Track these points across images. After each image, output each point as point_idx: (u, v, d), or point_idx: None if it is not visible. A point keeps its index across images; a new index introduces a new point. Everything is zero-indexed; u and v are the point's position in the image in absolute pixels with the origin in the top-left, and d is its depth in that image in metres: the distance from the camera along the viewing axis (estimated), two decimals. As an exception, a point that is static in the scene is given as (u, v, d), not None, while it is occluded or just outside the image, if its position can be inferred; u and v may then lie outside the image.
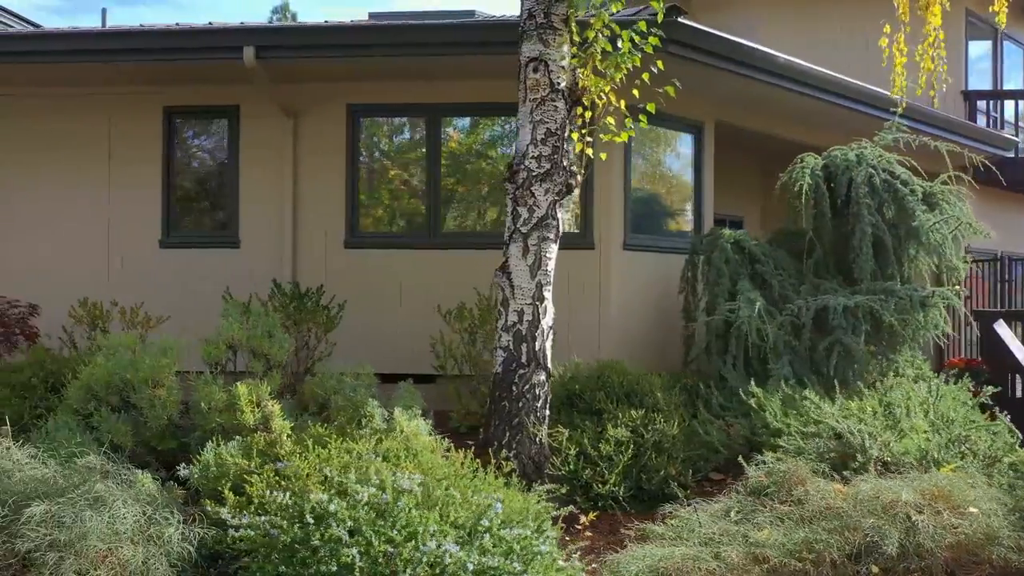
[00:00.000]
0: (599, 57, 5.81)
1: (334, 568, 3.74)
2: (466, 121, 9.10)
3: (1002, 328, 9.30)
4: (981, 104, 14.21)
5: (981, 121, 14.00)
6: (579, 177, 6.01)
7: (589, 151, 6.06)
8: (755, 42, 8.63)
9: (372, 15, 11.33)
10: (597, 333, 8.41)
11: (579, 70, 5.96)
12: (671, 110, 6.90)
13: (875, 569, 4.18)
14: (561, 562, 4.39)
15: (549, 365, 5.96)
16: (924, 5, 7.41)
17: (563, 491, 5.08)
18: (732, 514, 4.82)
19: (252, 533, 3.96)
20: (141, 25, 9.00)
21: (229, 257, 8.84)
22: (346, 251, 8.76)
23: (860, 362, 7.09)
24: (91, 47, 8.23)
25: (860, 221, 7.66)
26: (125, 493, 4.32)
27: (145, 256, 8.91)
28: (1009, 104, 15.18)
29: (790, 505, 4.65)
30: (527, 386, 5.81)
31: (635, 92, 6.12)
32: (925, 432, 5.48)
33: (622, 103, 6.09)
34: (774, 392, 6.36)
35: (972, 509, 4.38)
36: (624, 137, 6.20)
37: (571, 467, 5.77)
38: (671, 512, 5.07)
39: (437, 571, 3.85)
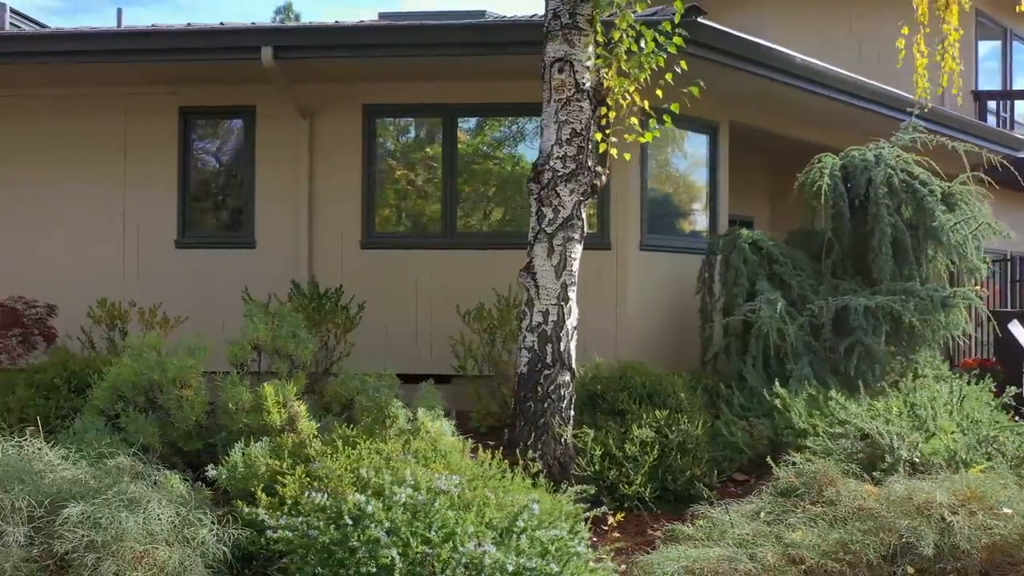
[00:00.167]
0: (624, 57, 5.79)
1: (373, 569, 3.73)
2: (484, 121, 9.08)
3: (1016, 328, 9.30)
4: (991, 104, 14.20)
5: (991, 121, 14.00)
6: (604, 177, 6.00)
7: (613, 151, 6.06)
8: (763, 41, 8.62)
9: (382, 15, 11.33)
10: (614, 333, 8.41)
11: (603, 70, 5.95)
12: (687, 111, 6.89)
13: (911, 570, 4.17)
14: (592, 563, 4.38)
15: (574, 365, 5.95)
16: (943, 5, 7.42)
17: (591, 492, 5.06)
18: (762, 515, 4.81)
19: (290, 534, 3.95)
20: (154, 25, 8.99)
21: (245, 258, 8.84)
22: (362, 251, 8.76)
23: (881, 362, 7.08)
24: (109, 47, 8.22)
25: (879, 221, 7.65)
26: (158, 494, 4.31)
27: (161, 256, 8.91)
28: (1019, 104, 15.16)
29: (822, 506, 4.64)
30: (552, 386, 5.80)
31: (659, 92, 6.12)
32: (953, 433, 5.47)
33: (646, 103, 6.09)
34: (799, 393, 6.34)
35: (1006, 510, 4.37)
36: (648, 137, 6.19)
37: (596, 468, 5.75)
38: (700, 513, 5.05)
39: (475, 572, 3.84)
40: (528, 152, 9.14)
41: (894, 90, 9.55)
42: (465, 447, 5.28)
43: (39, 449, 4.49)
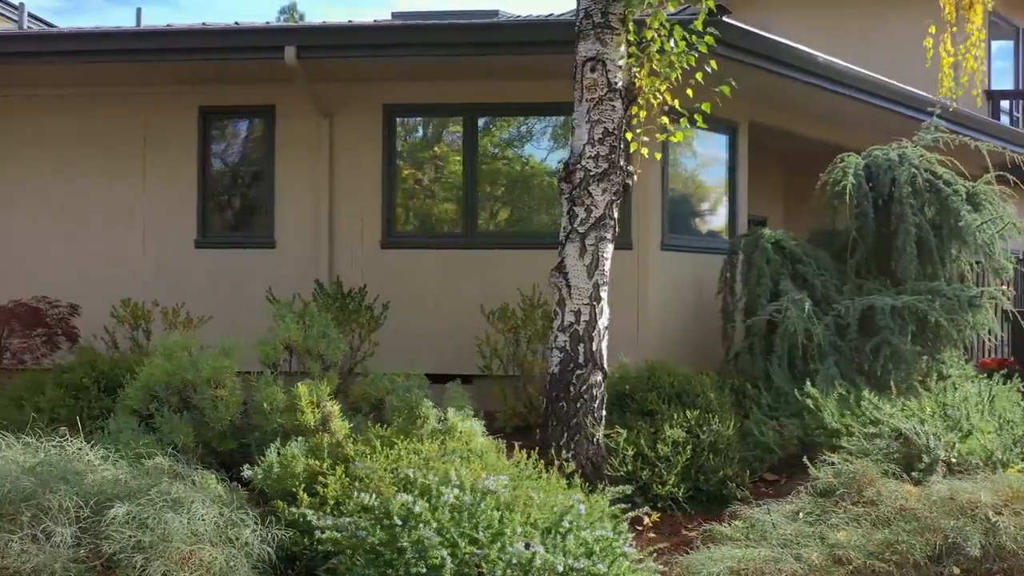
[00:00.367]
0: (657, 56, 5.78)
1: (423, 570, 3.72)
2: (506, 121, 9.07)
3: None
4: (1004, 104, 14.21)
5: (1004, 121, 14.01)
6: (635, 177, 5.99)
7: (644, 151, 6.05)
8: (786, 40, 8.61)
9: (395, 14, 11.32)
10: (635, 333, 8.39)
11: (635, 69, 5.94)
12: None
13: (956, 570, 4.16)
14: (634, 563, 4.37)
15: (606, 365, 5.94)
16: (967, 4, 7.42)
17: (628, 492, 5.04)
18: (802, 515, 4.80)
19: (338, 535, 3.93)
20: (170, 25, 9.00)
21: (265, 257, 8.82)
22: (382, 251, 8.74)
23: (907, 362, 7.08)
24: (131, 47, 8.22)
25: (904, 221, 7.64)
26: (200, 494, 4.30)
27: (180, 256, 8.89)
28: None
29: (863, 506, 4.63)
30: (585, 386, 5.79)
31: (689, 92, 6.11)
32: (989, 433, 5.46)
33: (676, 102, 6.08)
34: (829, 393, 6.34)
35: (1051, 510, 4.36)
36: (679, 137, 6.19)
37: (629, 468, 5.75)
38: (736, 513, 5.05)
39: (523, 572, 3.83)
40: (537, 152, 9.15)
41: (914, 90, 9.56)
42: (500, 447, 5.27)
43: (79, 449, 4.47)
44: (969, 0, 7.51)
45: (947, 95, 7.62)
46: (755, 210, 11.61)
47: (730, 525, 4.97)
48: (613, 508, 4.66)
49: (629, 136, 5.98)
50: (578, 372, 5.79)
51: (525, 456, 5.11)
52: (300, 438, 5.16)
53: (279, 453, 5.04)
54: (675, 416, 6.11)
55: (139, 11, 11.07)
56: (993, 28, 14.28)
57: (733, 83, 6.01)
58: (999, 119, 13.75)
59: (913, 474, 5.13)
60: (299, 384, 5.38)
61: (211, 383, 5.29)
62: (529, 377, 7.30)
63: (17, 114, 9.12)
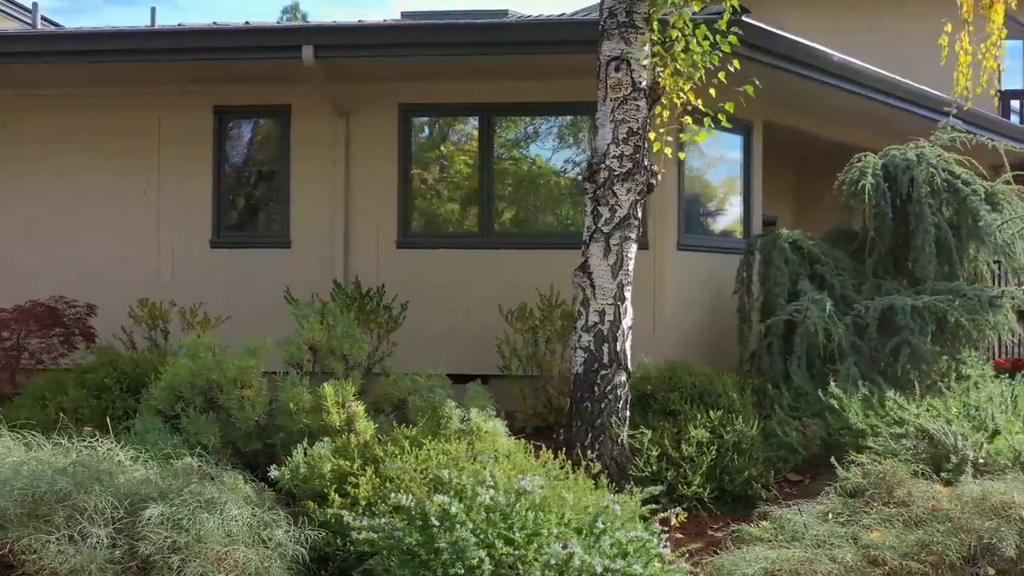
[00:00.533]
0: (682, 56, 5.77)
1: (460, 571, 3.70)
2: (523, 120, 9.06)
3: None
4: (1014, 104, 14.20)
5: (1014, 120, 13.99)
6: (659, 176, 5.98)
7: (668, 150, 6.04)
8: (803, 40, 8.60)
9: (405, 14, 11.29)
10: (651, 334, 8.37)
11: (658, 69, 5.94)
12: (723, 111, 6.87)
13: (991, 571, 4.15)
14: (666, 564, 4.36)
15: (630, 365, 5.93)
16: (987, 4, 7.40)
17: (656, 492, 5.02)
18: (831, 516, 4.78)
19: (375, 535, 3.92)
20: (182, 24, 8.96)
21: (280, 257, 8.81)
22: (398, 251, 8.73)
23: (928, 362, 7.07)
24: (147, 46, 8.19)
25: (923, 221, 7.64)
26: (232, 495, 4.29)
27: (196, 256, 8.88)
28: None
29: (893, 507, 4.62)
30: (609, 387, 5.78)
31: (712, 92, 6.11)
32: (1018, 433, 5.45)
33: (699, 102, 6.08)
34: (853, 393, 6.32)
35: (1084, 511, 4.35)
36: (703, 137, 6.18)
37: (654, 468, 5.73)
38: (764, 513, 5.03)
39: (560, 573, 3.81)
40: (554, 152, 9.13)
41: (929, 89, 9.54)
42: (528, 448, 5.25)
43: (108, 450, 4.46)
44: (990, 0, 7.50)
45: (963, 94, 7.61)
46: (765, 210, 11.59)
47: (758, 526, 4.96)
48: (642, 509, 4.66)
49: (652, 136, 5.97)
50: (603, 372, 5.78)
51: (552, 456, 5.12)
52: (326, 438, 5.15)
53: (306, 453, 5.03)
54: (698, 416, 6.09)
55: (153, 11, 11.07)
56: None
57: (757, 83, 6.00)
58: (1009, 118, 13.74)
59: (942, 474, 5.11)
60: (325, 384, 5.36)
61: (237, 383, 5.28)
62: (548, 377, 7.30)
63: (31, 113, 9.10)
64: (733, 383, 6.66)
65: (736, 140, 9.42)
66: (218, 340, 5.92)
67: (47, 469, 4.08)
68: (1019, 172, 8.20)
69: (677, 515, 5.25)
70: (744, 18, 7.28)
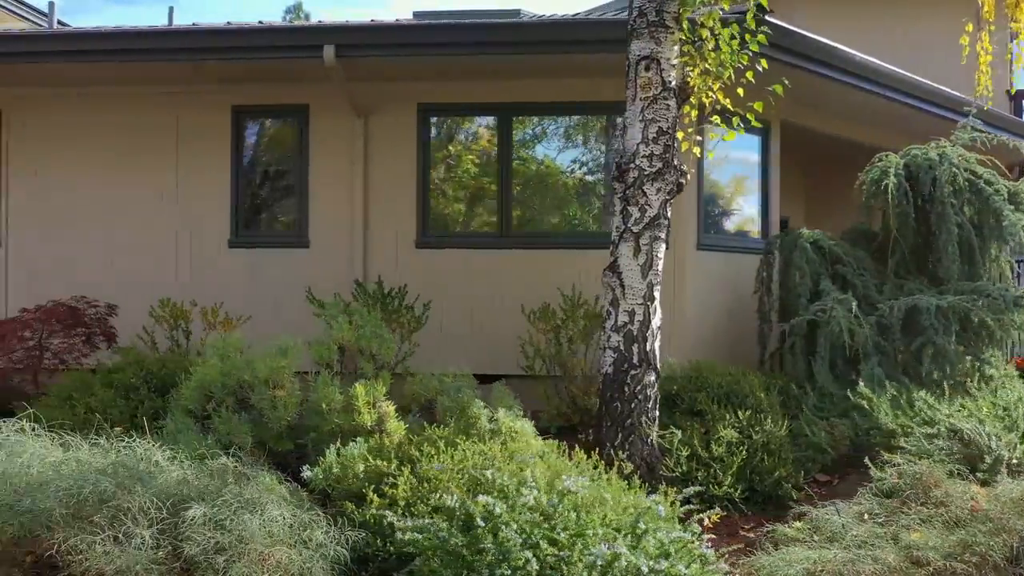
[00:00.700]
0: (712, 55, 5.76)
1: (507, 572, 3.69)
2: (542, 120, 9.05)
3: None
4: (1025, 104, 14.19)
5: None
6: (688, 176, 5.97)
7: (696, 150, 6.03)
8: (825, 39, 8.59)
9: (417, 14, 11.27)
10: (670, 333, 8.33)
11: (687, 68, 5.93)
12: (741, 110, 6.86)
13: (1034, 571, 4.13)
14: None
15: (659, 366, 5.92)
16: (1013, 3, 7.39)
17: (693, 492, 5.01)
18: (866, 516, 4.77)
19: (419, 536, 3.90)
20: (195, 24, 8.93)
21: (299, 257, 8.79)
22: (417, 251, 8.71)
23: (952, 362, 7.06)
24: (168, 46, 8.15)
25: (946, 221, 7.62)
26: (271, 495, 4.28)
27: (214, 256, 8.86)
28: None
29: (931, 507, 4.61)
30: (639, 387, 5.77)
31: (740, 91, 6.11)
32: (1051, 433, 5.45)
33: (728, 101, 6.07)
34: (882, 393, 6.31)
35: (1125, 511, 4.34)
36: (731, 136, 6.18)
37: (684, 469, 5.72)
38: (802, 514, 5.02)
39: (603, 574, 3.80)
40: (574, 151, 9.11)
41: (948, 90, 9.53)
42: (561, 448, 5.24)
43: (146, 450, 4.45)
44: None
45: (984, 93, 7.60)
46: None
47: (792, 526, 4.95)
48: (679, 510, 4.64)
49: (680, 135, 5.95)
50: (632, 372, 5.77)
51: (585, 457, 5.11)
52: (359, 439, 5.14)
53: (339, 453, 5.02)
54: (727, 417, 6.08)
55: (171, 10, 10.97)
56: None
57: (787, 82, 5.98)
58: (1021, 117, 13.72)
59: (977, 474, 5.10)
60: (356, 384, 5.36)
61: (269, 384, 5.26)
62: (571, 377, 7.28)
63: (48, 113, 9.08)
64: (759, 383, 6.65)
65: (754, 140, 9.41)
66: (243, 340, 5.90)
67: (87, 470, 4.07)
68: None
69: (710, 516, 5.24)
70: (767, 17, 7.30)
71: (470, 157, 9.12)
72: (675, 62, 5.80)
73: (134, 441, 4.45)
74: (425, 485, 4.50)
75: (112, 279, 8.68)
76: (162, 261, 8.86)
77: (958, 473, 5.08)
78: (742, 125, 6.08)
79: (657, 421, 5.90)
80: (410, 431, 5.43)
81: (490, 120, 8.91)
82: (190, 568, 3.84)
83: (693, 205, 8.60)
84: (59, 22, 11.76)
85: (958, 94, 9.59)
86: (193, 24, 8.38)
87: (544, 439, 5.69)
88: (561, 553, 3.80)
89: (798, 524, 4.98)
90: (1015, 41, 7.38)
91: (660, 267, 5.88)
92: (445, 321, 8.36)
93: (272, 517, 4.07)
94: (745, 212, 9.70)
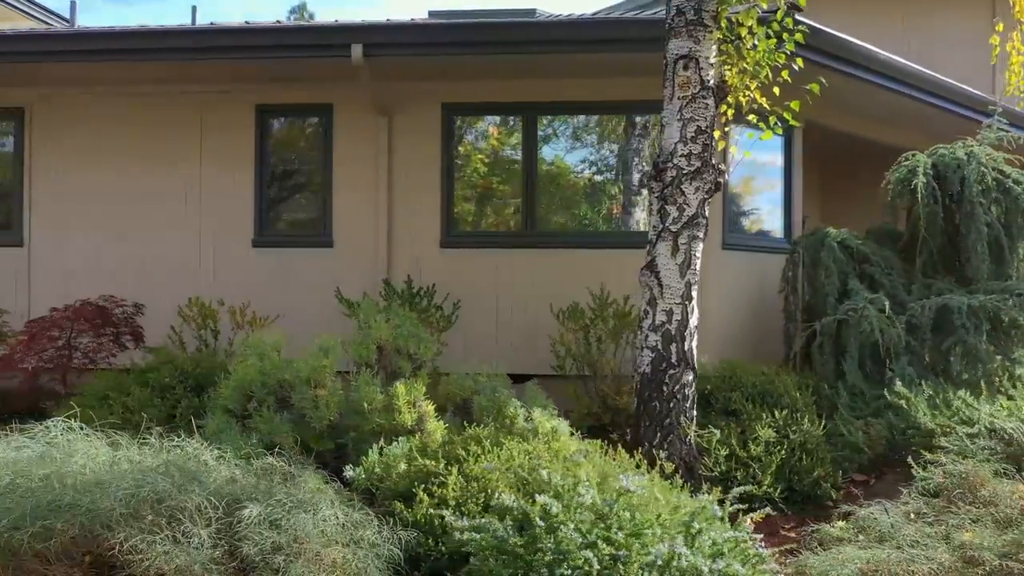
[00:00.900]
0: (752, 54, 5.76)
1: (567, 572, 3.68)
2: (567, 119, 9.04)
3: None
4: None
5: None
6: (726, 175, 5.95)
7: (733, 149, 6.02)
8: (850, 38, 8.58)
9: (432, 13, 11.25)
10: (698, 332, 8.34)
11: (725, 67, 5.92)
12: (764, 110, 6.84)
13: (1089, 571, 4.12)
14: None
15: (696, 365, 5.91)
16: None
17: (742, 492, 4.98)
18: (912, 516, 4.76)
19: (477, 536, 3.89)
20: (226, 24, 8.93)
21: (322, 257, 8.78)
22: (441, 251, 8.70)
23: (983, 362, 7.05)
24: (193, 45, 8.13)
25: (975, 220, 7.62)
26: (321, 495, 4.26)
27: (238, 256, 8.84)
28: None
29: (979, 507, 4.60)
30: (677, 386, 5.76)
31: (776, 91, 6.10)
32: (1094, 432, 5.44)
33: (764, 100, 6.06)
34: (919, 392, 6.30)
35: None
36: (768, 135, 6.16)
37: (723, 468, 5.71)
38: (847, 513, 5.02)
39: (661, 573, 3.79)
40: (582, 152, 9.11)
41: (971, 89, 9.52)
42: (603, 448, 5.23)
43: (195, 450, 4.43)
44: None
45: (1016, 93, 7.59)
46: (796, 209, 11.61)
47: (835, 526, 4.95)
48: (721, 508, 4.63)
49: (717, 134, 5.95)
50: (671, 372, 5.76)
51: (628, 456, 5.10)
52: (401, 438, 5.13)
53: (381, 453, 5.01)
54: (763, 416, 6.07)
55: (194, 9, 10.97)
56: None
57: (824, 81, 5.98)
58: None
59: (1022, 473, 5.09)
60: (397, 384, 5.35)
61: (310, 383, 5.25)
62: (601, 377, 7.27)
63: (72, 112, 9.06)
64: (793, 383, 6.64)
65: (777, 140, 9.37)
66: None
67: (141, 469, 4.06)
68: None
69: (755, 515, 5.23)
70: (796, 16, 7.29)
71: (494, 156, 9.11)
72: (713, 61, 5.80)
73: (183, 441, 4.43)
74: (474, 484, 4.48)
75: (135, 279, 8.67)
76: (185, 260, 8.85)
77: (1004, 473, 5.07)
78: (779, 124, 6.07)
79: (695, 421, 5.90)
80: (449, 431, 5.42)
81: (515, 119, 8.90)
82: (246, 568, 3.83)
83: (718, 204, 8.58)
84: (55, 15, 11.71)
85: (980, 93, 9.58)
86: (220, 24, 8.36)
87: (580, 439, 5.68)
88: (618, 553, 3.78)
89: (842, 524, 4.98)
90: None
91: (698, 266, 5.88)
92: (469, 320, 8.35)
93: (324, 516, 4.06)
94: (768, 211, 9.70)
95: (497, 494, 4.03)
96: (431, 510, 4.29)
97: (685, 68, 5.74)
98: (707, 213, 5.88)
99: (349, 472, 4.92)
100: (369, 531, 4.16)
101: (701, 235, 5.83)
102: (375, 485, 4.85)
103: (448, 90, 8.70)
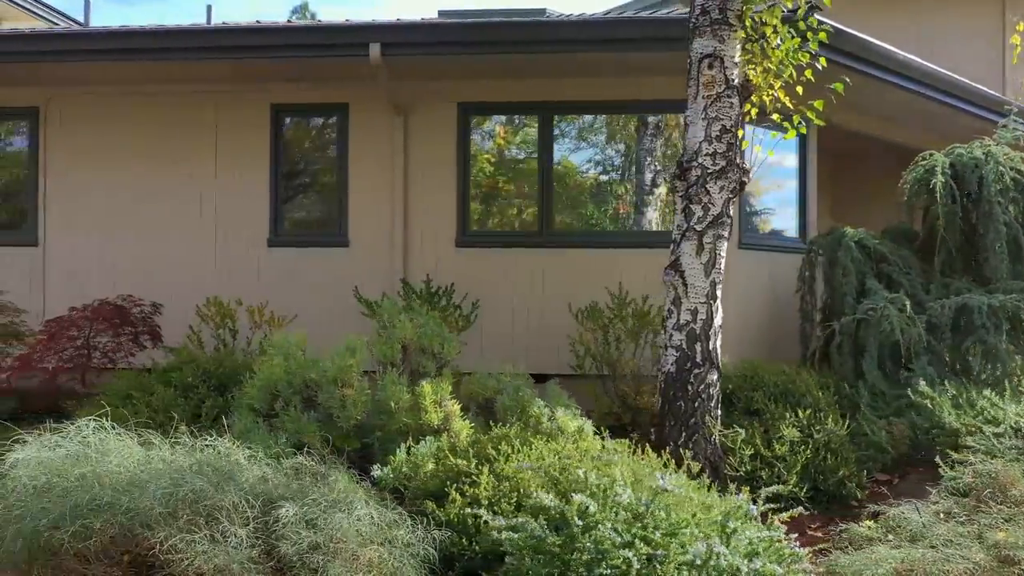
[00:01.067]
0: (779, 53, 5.75)
1: (606, 571, 3.67)
2: (582, 118, 9.03)
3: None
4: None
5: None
6: (750, 175, 5.95)
7: (757, 148, 6.02)
8: (870, 38, 8.58)
9: (442, 12, 11.23)
10: (715, 332, 8.34)
11: (748, 67, 5.92)
12: (780, 109, 6.83)
13: (1124, 570, 4.11)
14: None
15: (720, 364, 5.90)
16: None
17: (775, 490, 4.97)
18: (942, 515, 4.75)
19: (515, 535, 3.88)
20: (238, 22, 8.91)
21: (338, 256, 8.77)
22: (457, 250, 8.69)
23: (1003, 361, 7.04)
24: (210, 44, 8.12)
25: (994, 220, 7.62)
26: (356, 494, 4.26)
27: (253, 255, 8.83)
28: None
29: (1011, 506, 4.59)
30: (702, 386, 5.75)
31: (799, 90, 6.10)
32: (1120, 432, 5.44)
33: (788, 100, 6.06)
34: (942, 392, 6.30)
35: None
36: (792, 135, 6.16)
37: (748, 468, 5.70)
38: (876, 513, 5.01)
39: (698, 572, 3.78)
40: (597, 151, 9.10)
41: (987, 89, 9.53)
42: (631, 447, 5.22)
43: (227, 449, 4.42)
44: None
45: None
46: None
47: (863, 525, 4.94)
48: (750, 508, 4.62)
49: (741, 134, 5.94)
50: (696, 371, 5.75)
51: (656, 456, 5.09)
52: (429, 438, 5.13)
53: (409, 452, 5.00)
54: (786, 416, 6.07)
55: (209, 8, 10.93)
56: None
57: (848, 80, 5.97)
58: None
59: (1051, 474, 5.08)
60: (424, 383, 5.34)
61: (337, 382, 5.24)
62: (620, 376, 7.26)
63: (87, 111, 9.06)
64: (814, 382, 6.63)
65: (791, 139, 9.37)
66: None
67: (173, 468, 4.05)
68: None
69: (785, 515, 5.22)
70: (816, 16, 7.29)
71: (510, 155, 9.10)
72: (738, 60, 5.79)
73: (214, 440, 4.42)
74: (505, 484, 4.48)
75: (150, 278, 8.65)
76: (200, 260, 8.84)
77: (1040, 472, 5.07)
78: (803, 124, 6.06)
79: (719, 420, 5.89)
80: (475, 430, 5.42)
81: (531, 119, 8.90)
82: (283, 567, 3.82)
83: (736, 203, 8.57)
84: (64, 15, 11.69)
85: (995, 93, 9.59)
86: (238, 23, 8.35)
87: (602, 438, 5.67)
88: (656, 552, 3.78)
89: (870, 523, 4.97)
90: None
91: (723, 265, 5.86)
92: (486, 320, 8.35)
93: (359, 516, 4.05)
94: (783, 211, 9.69)
95: (535, 493, 4.01)
96: (464, 509, 4.28)
97: (710, 67, 5.73)
98: (732, 212, 5.87)
99: (377, 471, 4.91)
100: (403, 530, 4.15)
101: (726, 234, 5.83)
102: (403, 484, 4.84)
103: (464, 89, 8.69)
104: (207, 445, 4.31)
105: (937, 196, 7.63)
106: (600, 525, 3.79)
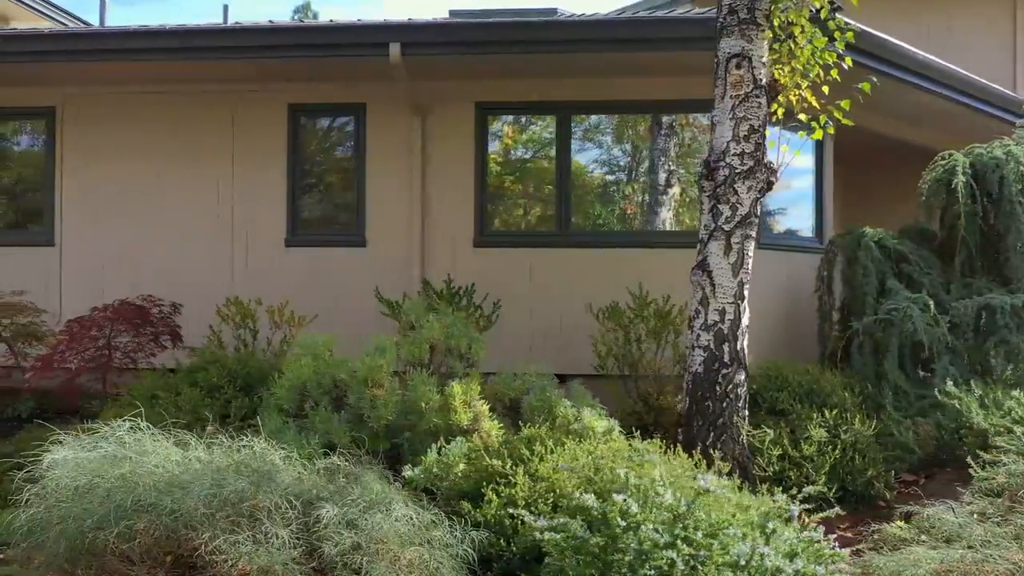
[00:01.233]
0: (807, 53, 5.75)
1: (650, 572, 3.66)
2: (602, 118, 9.02)
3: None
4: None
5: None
6: (778, 174, 5.94)
7: (785, 148, 6.01)
8: (888, 37, 8.58)
9: (453, 12, 11.22)
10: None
11: (775, 67, 5.91)
12: (794, 109, 6.83)
13: None
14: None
15: (747, 364, 5.89)
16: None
17: (814, 491, 4.96)
18: (975, 515, 4.75)
19: (557, 536, 3.87)
20: (261, 22, 8.89)
21: (355, 256, 8.76)
22: (475, 250, 8.68)
23: (1026, 361, 7.05)
24: (229, 44, 8.10)
25: (1015, 219, 7.61)
26: (395, 495, 4.25)
27: (270, 255, 8.83)
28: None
29: (1045, 506, 4.58)
30: (730, 386, 5.74)
31: (825, 89, 6.09)
32: None
33: (814, 100, 6.05)
34: (969, 392, 6.30)
35: None
36: (819, 135, 6.15)
37: (776, 468, 5.69)
38: (908, 513, 5.01)
39: (745, 573, 3.77)
40: (616, 151, 9.09)
41: (1004, 89, 9.52)
42: (662, 447, 5.21)
43: (263, 450, 4.41)
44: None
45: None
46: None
47: (895, 525, 4.93)
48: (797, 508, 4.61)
49: (768, 133, 5.93)
50: (724, 371, 5.74)
51: (687, 456, 5.08)
52: (459, 438, 5.11)
53: (440, 452, 4.99)
54: (812, 416, 6.06)
55: (226, 8, 10.91)
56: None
57: (875, 80, 5.97)
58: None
59: (1084, 474, 5.08)
60: (453, 383, 5.34)
61: (367, 383, 5.23)
62: (643, 376, 7.25)
63: (103, 110, 9.05)
64: (839, 382, 6.63)
65: (809, 139, 9.37)
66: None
67: (212, 469, 4.04)
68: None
69: (820, 516, 5.21)
70: (838, 15, 7.28)
71: (528, 156, 9.10)
72: (765, 60, 5.78)
73: (250, 441, 4.41)
74: (541, 484, 4.47)
75: (167, 278, 8.64)
76: (218, 260, 8.83)
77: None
78: (830, 123, 6.06)
79: (747, 420, 5.88)
80: (504, 430, 5.41)
81: (549, 119, 8.89)
82: (324, 568, 3.81)
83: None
84: (71, 15, 11.67)
85: (1012, 93, 9.58)
86: (257, 23, 8.32)
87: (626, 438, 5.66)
88: (698, 553, 3.77)
89: (902, 524, 4.96)
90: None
91: (750, 265, 5.85)
92: (504, 320, 8.33)
93: (398, 516, 4.04)
94: (800, 211, 9.68)
95: (574, 493, 4.00)
96: (501, 510, 4.27)
97: (738, 67, 5.72)
98: (759, 212, 5.86)
99: (408, 472, 4.90)
100: (440, 531, 4.15)
101: (753, 234, 5.82)
102: (434, 484, 4.83)
103: (482, 88, 8.68)
104: (243, 446, 4.30)
105: (958, 196, 7.62)
106: (643, 526, 3.77)
